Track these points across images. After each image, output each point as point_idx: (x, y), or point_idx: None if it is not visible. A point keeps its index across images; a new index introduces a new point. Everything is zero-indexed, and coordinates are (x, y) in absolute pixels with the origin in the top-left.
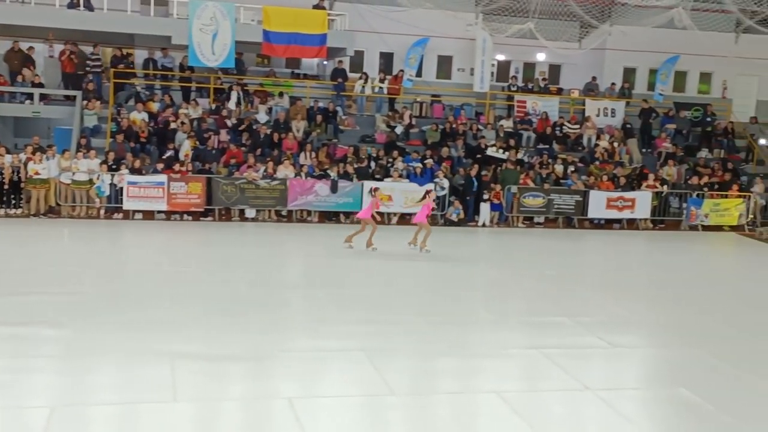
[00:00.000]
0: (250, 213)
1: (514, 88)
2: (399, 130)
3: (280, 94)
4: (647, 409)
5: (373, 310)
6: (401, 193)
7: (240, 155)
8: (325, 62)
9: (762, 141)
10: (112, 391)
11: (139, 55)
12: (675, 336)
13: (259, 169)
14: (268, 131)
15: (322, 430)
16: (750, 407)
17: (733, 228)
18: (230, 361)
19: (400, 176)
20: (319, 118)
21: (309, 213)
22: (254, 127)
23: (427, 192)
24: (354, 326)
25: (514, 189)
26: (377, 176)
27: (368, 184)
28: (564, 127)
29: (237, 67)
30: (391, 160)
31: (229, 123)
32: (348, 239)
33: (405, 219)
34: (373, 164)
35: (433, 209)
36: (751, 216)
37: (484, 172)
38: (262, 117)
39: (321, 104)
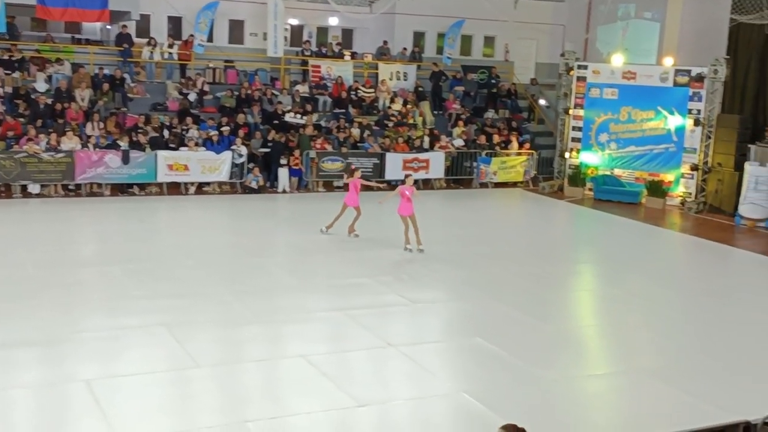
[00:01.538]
0: (34, 188)
1: (308, 53)
2: (192, 97)
3: (58, 61)
4: (447, 360)
5: (172, 283)
6: (198, 162)
7: (18, 127)
8: (108, 27)
9: (542, 101)
10: None
11: None
12: (470, 289)
13: (40, 142)
14: (49, 101)
15: (124, 410)
16: (537, 351)
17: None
18: (19, 347)
19: (196, 145)
20: (105, 86)
21: (100, 186)
22: (33, 96)
23: (406, 176)
24: (154, 301)
25: (312, 154)
26: (171, 145)
27: (162, 154)
28: (359, 91)
29: (9, 32)
30: (185, 128)
31: (2, 92)
32: (351, 230)
33: (202, 189)
34: (166, 133)
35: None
36: (534, 172)
37: (284, 138)
38: (40, 86)
39: (106, 71)
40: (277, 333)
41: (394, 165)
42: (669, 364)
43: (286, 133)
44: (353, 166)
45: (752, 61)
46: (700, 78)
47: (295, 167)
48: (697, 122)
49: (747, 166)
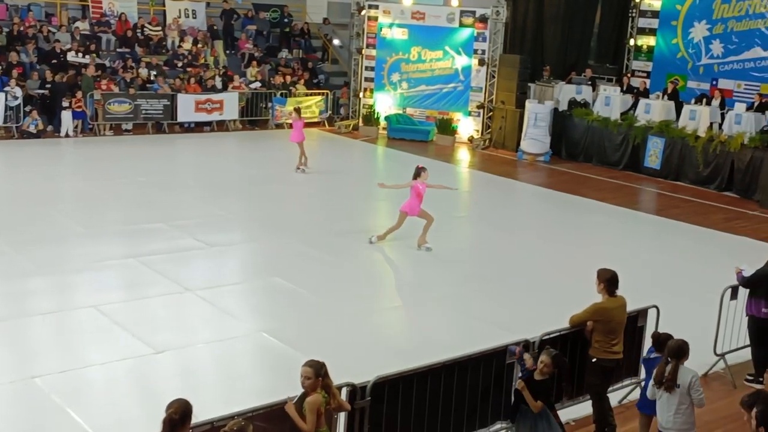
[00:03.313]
0: None
1: None
2: None
3: None
4: (246, 301)
5: None
6: None
7: None
8: None
9: (335, 41)
10: None
11: None
12: (267, 229)
13: None
14: None
15: None
16: (335, 287)
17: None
18: None
19: None
20: None
21: None
22: None
23: (420, 169)
24: None
25: (97, 95)
26: None
27: None
28: (145, 29)
29: None
30: None
31: None
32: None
33: None
34: None
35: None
36: (329, 112)
37: (65, 78)
38: None
39: None
40: (64, 283)
41: (186, 106)
42: (457, 293)
43: (67, 73)
44: (297, 107)
45: (531, 3)
46: (483, 19)
47: (78, 110)
48: (482, 62)
49: (527, 103)
